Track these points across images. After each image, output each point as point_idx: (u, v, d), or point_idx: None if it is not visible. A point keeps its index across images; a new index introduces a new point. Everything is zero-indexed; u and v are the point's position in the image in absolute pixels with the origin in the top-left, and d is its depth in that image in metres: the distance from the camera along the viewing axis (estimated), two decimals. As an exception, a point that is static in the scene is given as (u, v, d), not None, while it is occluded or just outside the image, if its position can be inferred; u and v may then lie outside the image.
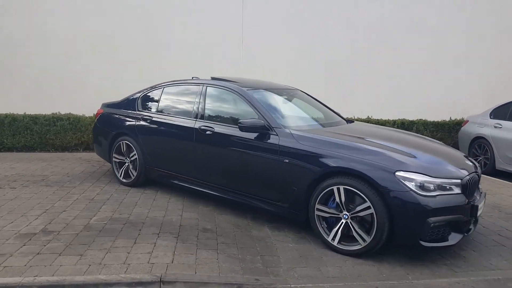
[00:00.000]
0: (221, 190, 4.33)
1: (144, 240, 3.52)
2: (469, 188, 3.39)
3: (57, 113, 7.92)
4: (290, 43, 8.89)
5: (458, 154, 4.03)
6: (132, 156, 5.20)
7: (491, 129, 6.89)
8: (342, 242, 3.42)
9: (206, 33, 8.62)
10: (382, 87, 9.26)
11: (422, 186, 3.13)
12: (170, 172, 4.83)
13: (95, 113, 5.98)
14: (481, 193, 3.77)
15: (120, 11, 8.36)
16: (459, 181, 3.29)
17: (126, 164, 5.29)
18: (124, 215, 4.15)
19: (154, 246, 3.40)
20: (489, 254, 3.55)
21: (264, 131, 3.89)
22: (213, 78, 4.83)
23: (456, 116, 9.16)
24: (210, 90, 4.63)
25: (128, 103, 5.44)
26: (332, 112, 5.14)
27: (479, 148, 7.10)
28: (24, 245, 3.33)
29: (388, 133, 4.39)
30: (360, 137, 3.82)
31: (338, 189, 3.39)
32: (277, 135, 3.83)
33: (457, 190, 3.27)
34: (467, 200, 3.31)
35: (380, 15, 9.12)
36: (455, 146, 8.01)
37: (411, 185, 3.13)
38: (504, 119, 6.77)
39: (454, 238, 3.29)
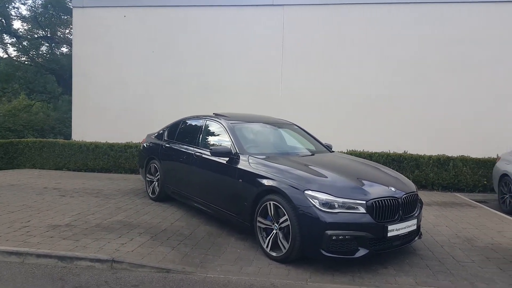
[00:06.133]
0: (205, 205, 5.23)
1: (127, 236, 4.60)
2: (379, 209, 3.72)
3: (130, 142, 9.81)
4: (325, 82, 9.67)
5: (392, 180, 4.28)
6: (157, 176, 6.47)
7: None
8: (274, 250, 4.03)
9: (250, 75, 9.90)
10: (419, 123, 9.39)
11: (325, 204, 3.64)
12: (175, 188, 5.93)
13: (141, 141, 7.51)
14: (407, 217, 3.96)
15: (180, 61, 10.26)
16: (363, 202, 3.69)
17: (154, 182, 6.58)
18: (130, 220, 5.32)
19: (130, 240, 4.45)
20: (406, 274, 3.72)
21: (230, 156, 4.75)
22: (214, 114, 5.87)
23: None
24: (208, 123, 5.68)
25: (159, 134, 6.80)
26: (318, 143, 5.74)
27: (505, 185, 6.70)
28: (47, 231, 4.69)
29: (342, 163, 4.83)
30: (305, 164, 4.40)
31: (270, 204, 4.05)
32: (239, 159, 4.66)
33: (362, 210, 3.67)
34: (373, 220, 3.67)
35: (414, 55, 9.42)
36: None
37: (315, 201, 3.66)
38: None
39: (359, 253, 3.65)
